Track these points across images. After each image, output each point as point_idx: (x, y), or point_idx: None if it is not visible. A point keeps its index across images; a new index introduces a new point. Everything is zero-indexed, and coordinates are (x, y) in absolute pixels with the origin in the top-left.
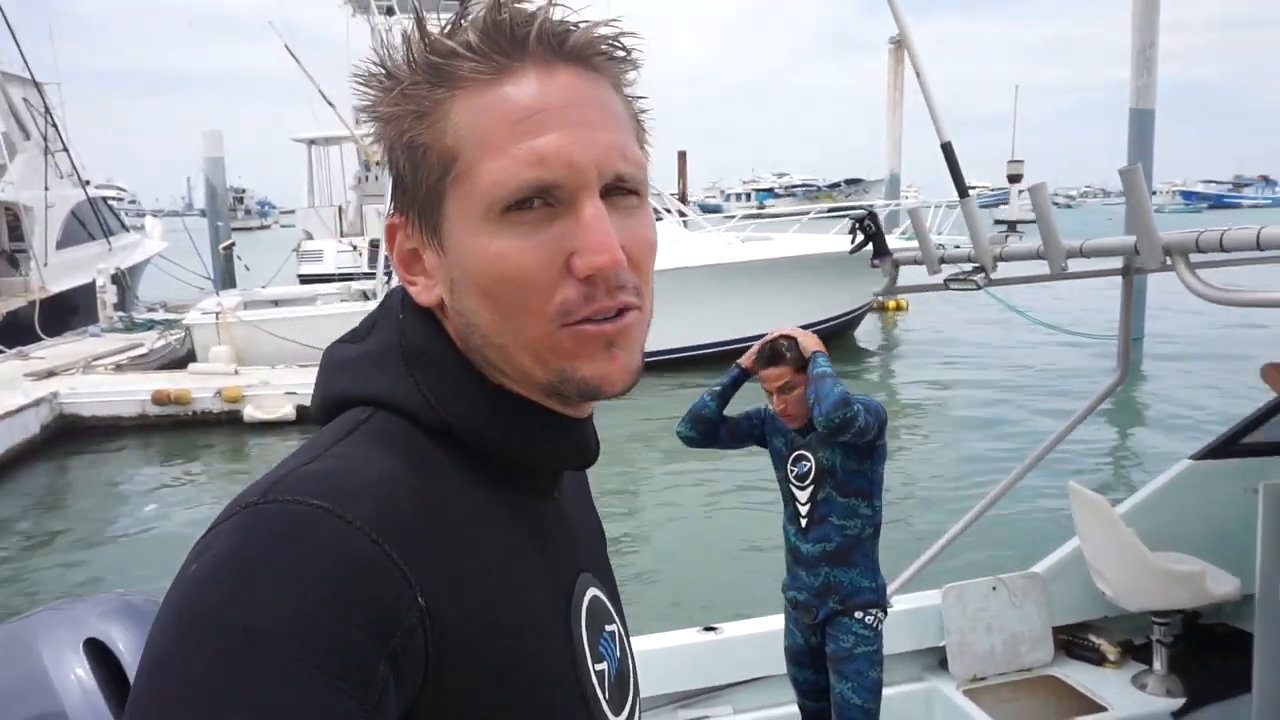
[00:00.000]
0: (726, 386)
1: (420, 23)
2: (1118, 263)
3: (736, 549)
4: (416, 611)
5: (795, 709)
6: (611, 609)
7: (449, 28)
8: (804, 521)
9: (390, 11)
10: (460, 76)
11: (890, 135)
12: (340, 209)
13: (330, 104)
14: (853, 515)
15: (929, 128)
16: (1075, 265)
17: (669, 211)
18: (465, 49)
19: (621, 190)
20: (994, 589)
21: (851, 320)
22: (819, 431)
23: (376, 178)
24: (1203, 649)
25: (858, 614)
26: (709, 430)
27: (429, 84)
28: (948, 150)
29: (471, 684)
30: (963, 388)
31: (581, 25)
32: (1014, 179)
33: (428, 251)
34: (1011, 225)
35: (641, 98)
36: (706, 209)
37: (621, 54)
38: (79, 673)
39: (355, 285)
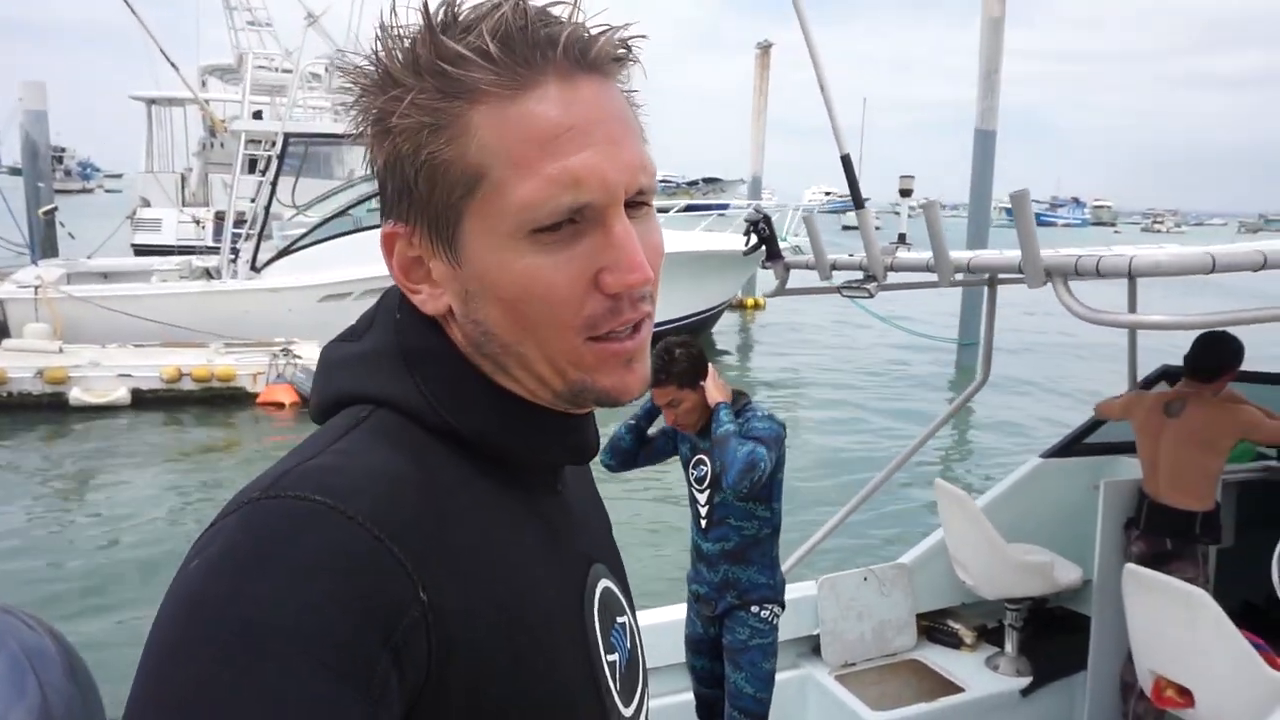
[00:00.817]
0: (640, 419)
1: (430, 25)
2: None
3: (643, 538)
4: (419, 606)
5: (691, 696)
6: (623, 600)
7: (453, 29)
8: (704, 522)
9: None
10: (478, 88)
11: (754, 138)
12: (183, 176)
13: (173, 65)
14: (750, 517)
15: (787, 133)
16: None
17: None
18: (482, 58)
19: (638, 201)
20: (865, 579)
21: (709, 318)
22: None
23: (222, 145)
24: (1047, 631)
25: (754, 608)
26: (628, 459)
27: (441, 93)
28: (846, 162)
29: (480, 677)
30: (821, 386)
31: (600, 33)
32: (905, 193)
33: (435, 261)
34: (902, 237)
35: (634, 91)
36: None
37: (632, 59)
38: None
39: (197, 261)
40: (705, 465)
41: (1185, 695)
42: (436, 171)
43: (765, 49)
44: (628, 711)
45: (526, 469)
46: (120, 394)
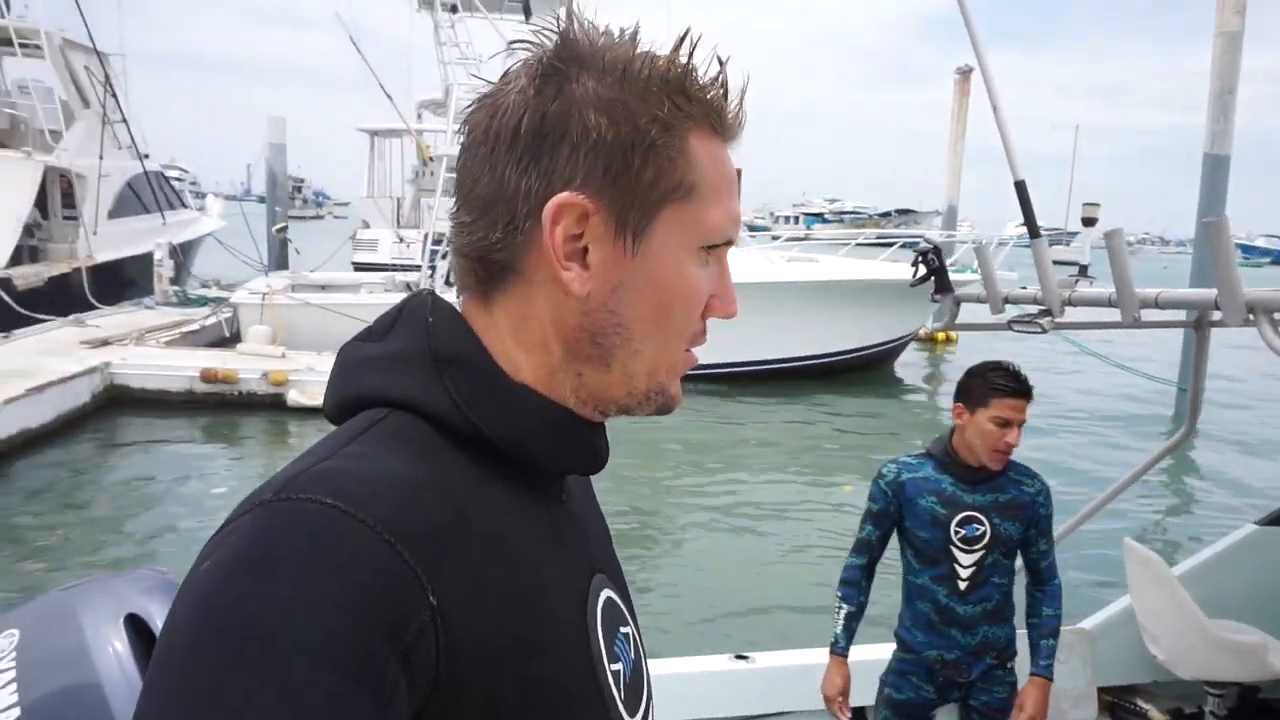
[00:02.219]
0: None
1: (686, 52)
2: (1187, 313)
3: (764, 575)
4: (428, 610)
5: None
6: (625, 610)
7: (679, 66)
8: (964, 585)
9: (454, 9)
10: (695, 118)
11: (950, 166)
12: (398, 200)
13: (389, 97)
14: (1010, 572)
15: (988, 163)
16: (1147, 315)
17: None
18: (712, 102)
19: None
20: None
21: (892, 350)
22: (997, 496)
23: (431, 172)
24: None
25: (1009, 664)
26: (869, 573)
27: (673, 104)
28: (1021, 188)
29: (488, 684)
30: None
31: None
32: (1088, 222)
33: (600, 244)
34: (1083, 269)
35: None
36: (754, 229)
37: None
38: (117, 646)
39: (399, 277)
40: (981, 524)
41: None
42: (668, 166)
43: (965, 74)
44: None
45: (539, 476)
46: None
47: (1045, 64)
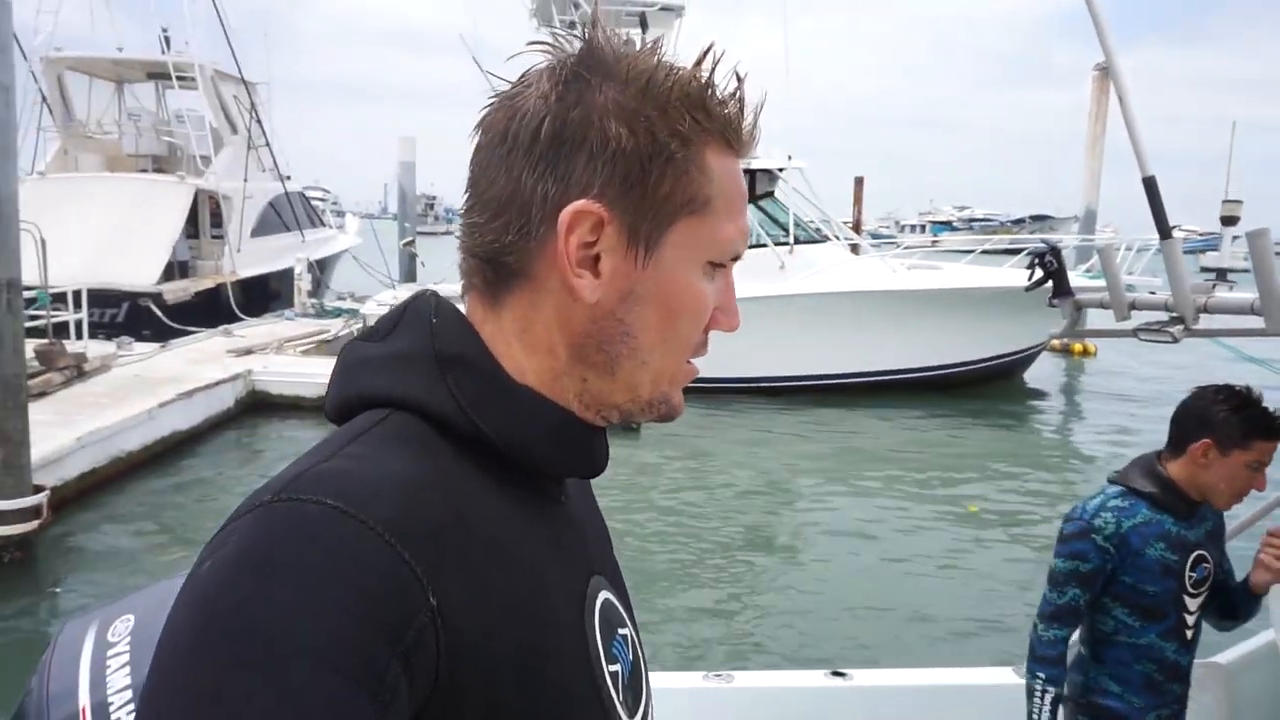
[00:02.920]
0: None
1: (707, 67)
2: None
3: (875, 590)
4: (428, 611)
5: None
6: (623, 612)
7: (700, 81)
8: (1190, 633)
9: (572, 26)
10: (712, 133)
11: (1089, 168)
12: None
13: None
14: None
15: (1129, 165)
16: None
17: (835, 237)
18: (730, 120)
19: None
20: None
21: (1022, 360)
22: (1207, 526)
23: None
24: None
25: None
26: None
27: (692, 119)
28: (1150, 185)
29: (488, 685)
30: (1150, 442)
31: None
32: (1228, 221)
33: (612, 253)
34: (1221, 274)
35: None
36: (878, 239)
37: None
38: None
39: None
40: (1207, 563)
41: None
42: (684, 179)
43: (1103, 71)
44: None
45: (539, 478)
46: None
47: (1199, 56)
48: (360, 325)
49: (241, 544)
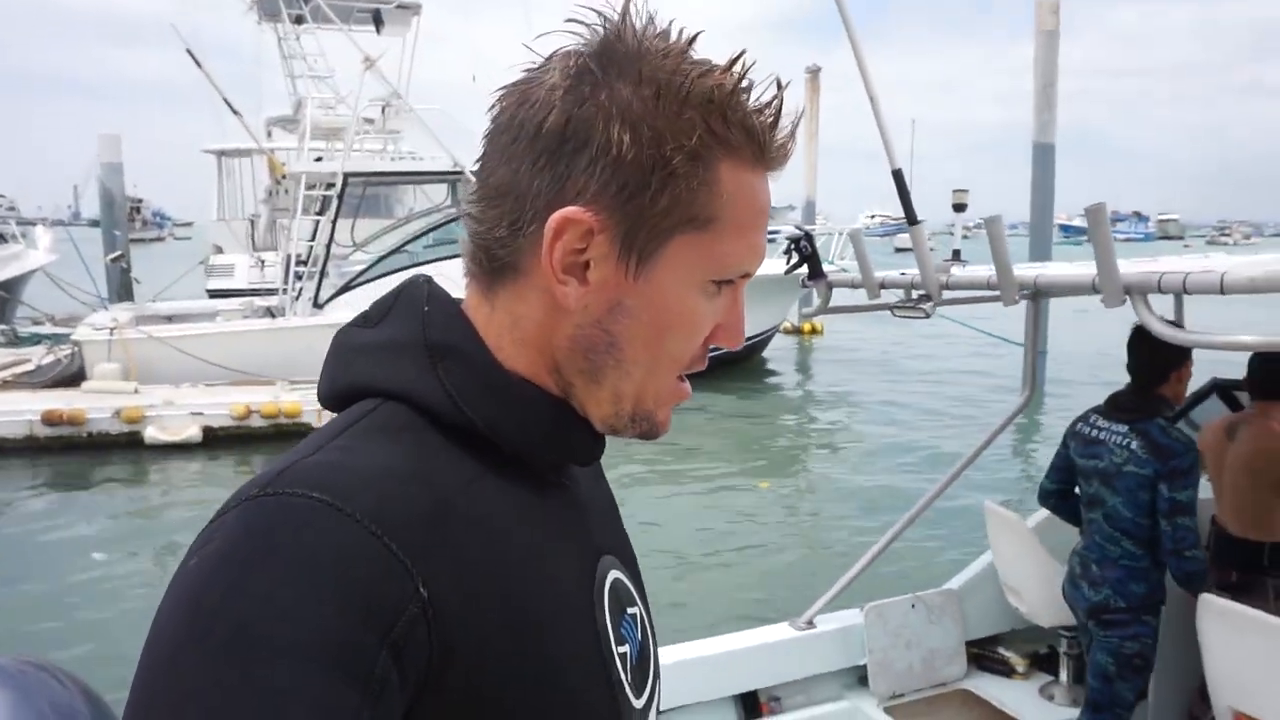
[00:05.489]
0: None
1: (737, 85)
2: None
3: (675, 574)
4: (418, 602)
5: None
6: (634, 590)
7: (745, 94)
8: None
9: (300, 20)
10: (731, 145)
11: (807, 161)
12: (252, 222)
13: (236, 113)
14: None
15: (842, 158)
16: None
17: None
18: (757, 132)
19: None
20: (913, 606)
21: (758, 344)
22: None
23: (286, 191)
24: None
25: None
26: None
27: (712, 134)
28: (898, 177)
29: (484, 671)
30: (876, 409)
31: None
32: (959, 208)
33: (602, 263)
34: (956, 254)
35: None
36: None
37: None
38: None
39: (258, 301)
40: None
41: None
42: (687, 196)
43: (814, 74)
44: (639, 703)
45: (535, 465)
46: (192, 432)
47: (877, 57)
48: (69, 352)
49: (227, 539)
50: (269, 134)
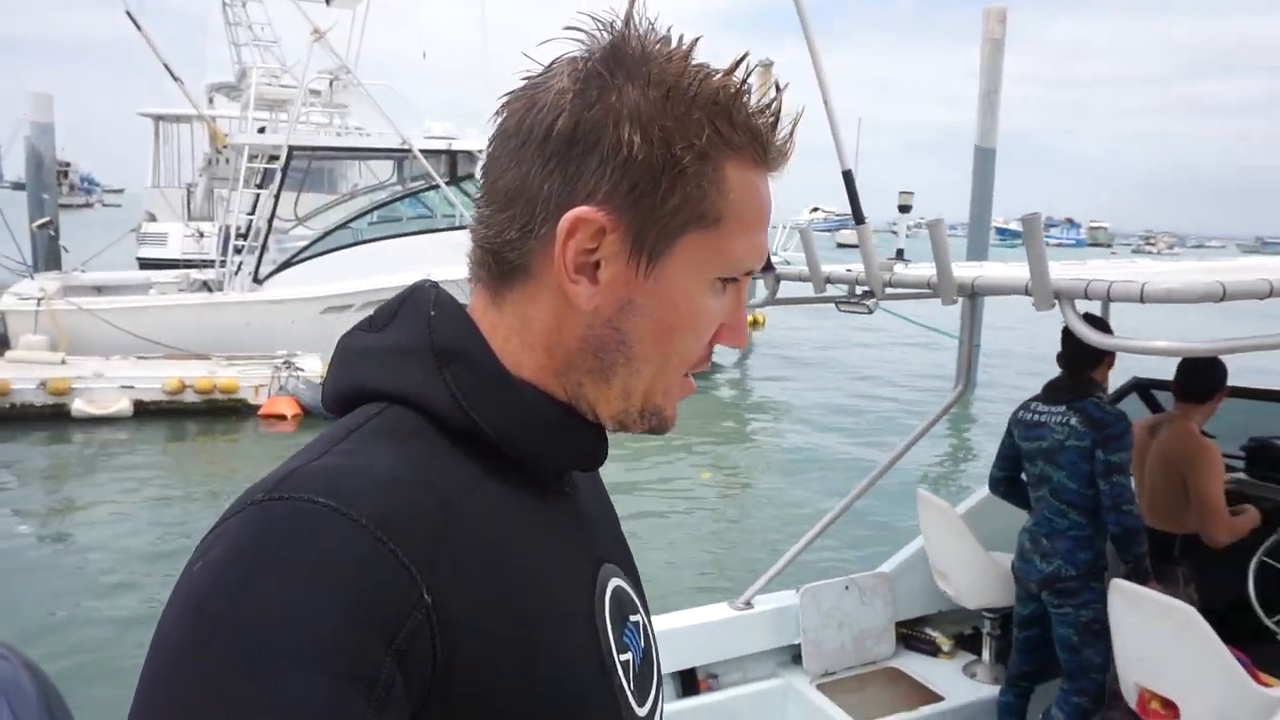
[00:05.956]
0: None
1: (741, 87)
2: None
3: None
4: (423, 608)
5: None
6: (635, 598)
7: (748, 95)
8: None
9: None
10: (736, 146)
11: None
12: (189, 190)
13: (176, 79)
14: None
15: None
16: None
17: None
18: (760, 133)
19: None
20: (846, 588)
21: None
22: None
23: (227, 160)
24: None
25: None
26: None
27: (718, 134)
28: (848, 177)
29: (489, 678)
30: (816, 401)
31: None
32: (904, 209)
33: (613, 262)
34: (899, 253)
35: None
36: None
37: None
38: None
39: (195, 274)
40: None
41: (1170, 708)
42: (696, 194)
43: (767, 67)
44: (641, 711)
45: (539, 472)
46: (122, 405)
47: (827, 56)
48: None
49: (231, 544)
50: (210, 100)
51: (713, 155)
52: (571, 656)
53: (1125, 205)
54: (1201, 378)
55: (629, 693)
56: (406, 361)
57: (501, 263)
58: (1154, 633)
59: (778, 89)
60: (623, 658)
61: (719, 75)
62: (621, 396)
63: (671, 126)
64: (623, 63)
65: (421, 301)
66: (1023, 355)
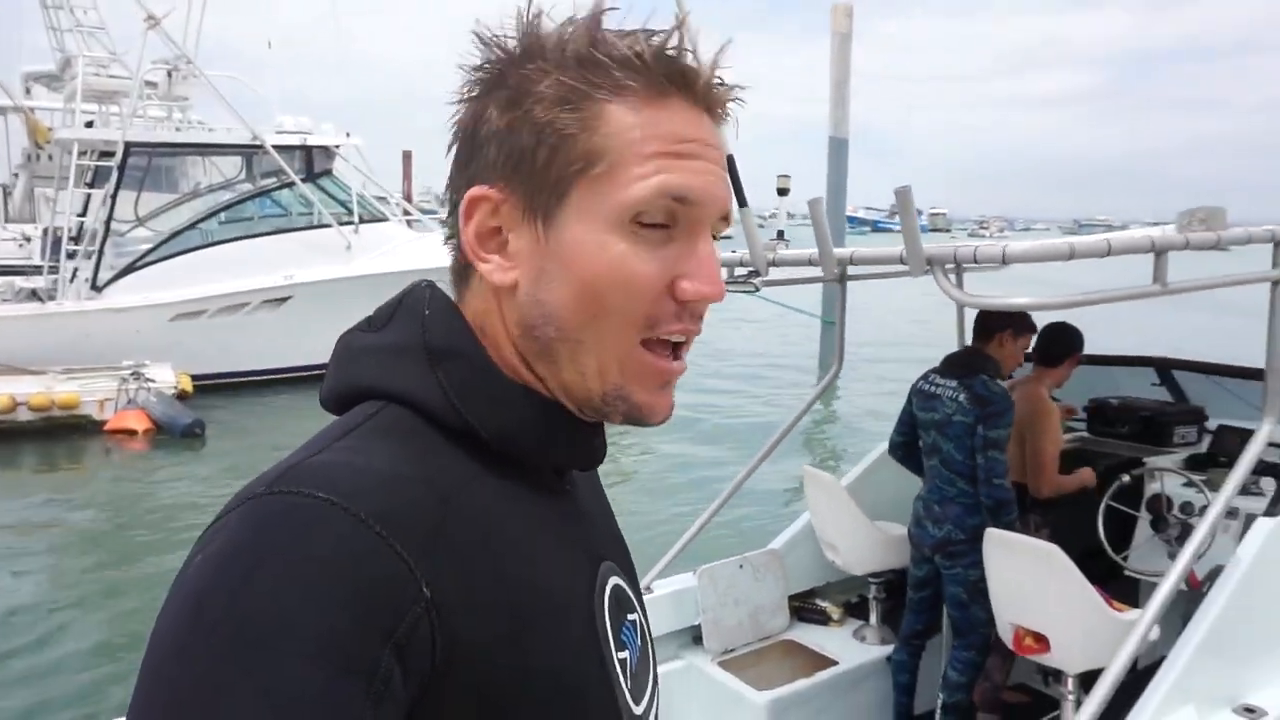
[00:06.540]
0: None
1: (597, 22)
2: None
3: None
4: (422, 603)
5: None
6: (633, 597)
7: (613, 33)
8: None
9: None
10: (624, 85)
11: None
12: (4, 190)
13: None
14: None
15: None
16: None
17: (402, 214)
18: (635, 61)
19: (716, 235)
20: (740, 567)
21: None
22: None
23: (49, 157)
24: (905, 599)
25: None
26: None
27: (586, 80)
28: (730, 162)
29: (486, 673)
30: (699, 387)
31: (725, 83)
32: (782, 191)
33: (518, 234)
34: (780, 234)
35: None
36: (426, 214)
37: (731, 115)
38: None
39: (21, 282)
40: None
41: (1041, 641)
42: (564, 143)
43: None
44: (638, 709)
45: (536, 470)
46: None
47: None
48: None
49: (231, 539)
50: (28, 91)
51: (585, 104)
52: (569, 651)
53: (960, 193)
54: (1057, 345)
55: (626, 690)
56: (402, 360)
57: (455, 264)
58: (1024, 573)
59: (678, 21)
60: (620, 655)
61: (586, 26)
62: (578, 378)
63: (541, 91)
64: (509, 53)
65: (417, 301)
66: (875, 342)
